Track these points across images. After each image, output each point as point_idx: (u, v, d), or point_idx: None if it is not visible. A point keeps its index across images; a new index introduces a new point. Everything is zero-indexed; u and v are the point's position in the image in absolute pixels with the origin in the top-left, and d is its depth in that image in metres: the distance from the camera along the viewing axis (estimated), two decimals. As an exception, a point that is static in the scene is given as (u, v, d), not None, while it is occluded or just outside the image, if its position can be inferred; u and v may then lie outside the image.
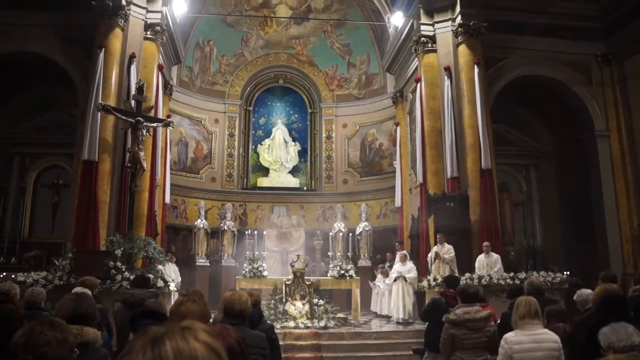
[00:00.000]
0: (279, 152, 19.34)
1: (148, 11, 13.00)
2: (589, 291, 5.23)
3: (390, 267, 13.26)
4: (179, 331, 1.20)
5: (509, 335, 3.86)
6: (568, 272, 11.45)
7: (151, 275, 9.01)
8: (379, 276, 13.78)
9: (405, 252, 13.03)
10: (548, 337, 3.84)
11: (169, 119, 13.16)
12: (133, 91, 11.71)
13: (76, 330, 2.99)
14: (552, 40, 14.17)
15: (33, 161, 14.76)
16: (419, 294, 11.73)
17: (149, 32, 12.96)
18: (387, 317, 12.39)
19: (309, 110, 19.85)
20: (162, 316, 3.55)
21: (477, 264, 11.07)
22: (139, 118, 11.17)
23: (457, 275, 9.23)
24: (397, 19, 15.19)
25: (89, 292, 5.24)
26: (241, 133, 19.14)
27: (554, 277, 10.86)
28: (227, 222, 16.84)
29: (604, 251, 13.72)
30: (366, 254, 16.60)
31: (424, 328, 6.83)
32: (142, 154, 11.32)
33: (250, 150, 19.28)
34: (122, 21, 12.28)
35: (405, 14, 14.46)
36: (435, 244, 11.54)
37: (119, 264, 9.52)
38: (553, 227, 15.83)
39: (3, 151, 14.56)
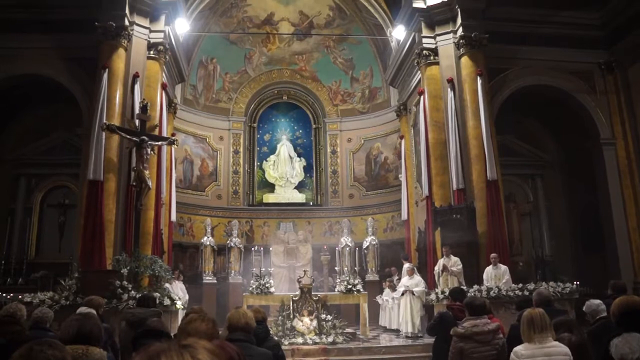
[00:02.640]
0: (284, 168, 19.36)
1: (151, 31, 13.09)
2: (598, 301, 5.15)
3: (399, 279, 13.19)
4: (177, 349, 1.18)
5: (519, 349, 3.77)
6: (578, 282, 11.32)
7: (157, 294, 8.98)
8: (387, 290, 13.70)
9: (412, 265, 12.97)
10: (559, 350, 3.75)
11: (173, 137, 13.21)
12: (137, 110, 11.79)
13: (81, 351, 2.98)
14: (555, 49, 14.17)
15: (39, 182, 14.78)
16: (428, 308, 11.64)
17: (152, 52, 13.05)
18: (397, 331, 12.30)
19: (314, 126, 19.91)
20: (164, 335, 3.53)
21: (485, 276, 10.97)
22: (144, 137, 11.24)
23: (464, 287, 9.15)
24: (398, 33, 15.27)
25: (94, 311, 5.22)
26: (246, 150, 19.20)
27: (563, 287, 10.72)
28: (234, 238, 16.84)
29: (614, 260, 13.58)
30: (373, 268, 16.53)
31: (433, 342, 6.76)
32: (147, 172, 11.36)
33: (255, 167, 19.32)
34: (125, 41, 12.37)
35: (407, 27, 14.52)
36: (442, 256, 11.46)
37: (125, 283, 9.50)
38: (561, 236, 15.71)
39: (9, 172, 14.61)
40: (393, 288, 13.21)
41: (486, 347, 4.48)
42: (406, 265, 12.90)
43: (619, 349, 2.97)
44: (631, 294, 4.99)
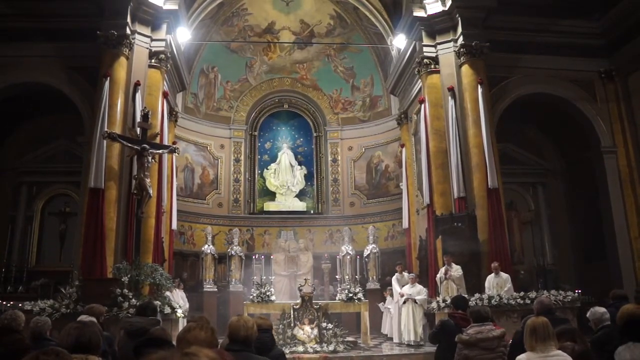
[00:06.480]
0: (285, 176, 19.36)
1: (152, 39, 13.13)
2: (603, 310, 5.11)
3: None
4: (179, 357, 1.18)
5: (522, 357, 3.75)
6: (579, 291, 11.29)
7: (158, 302, 8.95)
8: (389, 298, 13.67)
9: (414, 274, 12.95)
10: (562, 359, 3.71)
11: (174, 146, 13.22)
12: (138, 119, 11.79)
13: (80, 359, 2.96)
14: (555, 57, 14.21)
15: (40, 190, 14.82)
16: (429, 316, 11.60)
17: (153, 60, 13.08)
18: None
19: (314, 134, 19.92)
20: (167, 343, 3.50)
21: (486, 284, 10.93)
22: (145, 145, 11.23)
23: (465, 295, 9.12)
24: (399, 42, 15.31)
25: (94, 320, 5.19)
26: (247, 158, 19.21)
27: (565, 295, 10.68)
28: (235, 247, 16.82)
29: (616, 269, 13.53)
30: (374, 277, 16.50)
31: (435, 350, 6.72)
32: (148, 180, 11.35)
33: (256, 175, 19.32)
34: (127, 50, 12.42)
35: (408, 36, 14.55)
36: (444, 265, 11.42)
37: (126, 291, 9.47)
38: (563, 245, 15.68)
39: (11, 181, 14.65)
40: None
41: (491, 355, 4.45)
42: (409, 275, 12.87)
43: (622, 357, 2.95)
44: (632, 303, 4.98)
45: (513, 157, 15.41)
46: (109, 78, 11.83)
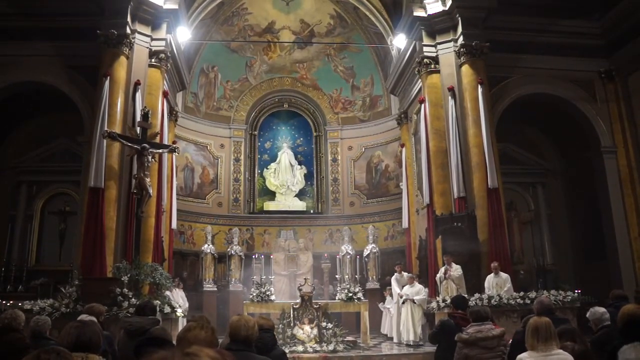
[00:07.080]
0: (285, 175, 19.36)
1: (152, 39, 13.13)
2: (602, 310, 5.12)
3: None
4: (180, 357, 1.17)
5: (523, 356, 3.75)
6: (579, 291, 11.28)
7: (158, 302, 8.95)
8: (388, 298, 13.67)
9: (412, 274, 12.95)
10: (563, 358, 3.71)
11: (174, 145, 13.23)
12: (138, 118, 11.79)
13: (81, 358, 2.97)
14: (555, 58, 14.20)
15: (40, 189, 14.83)
16: (429, 316, 11.61)
17: (153, 60, 13.07)
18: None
19: (314, 134, 19.93)
20: (167, 343, 3.50)
21: (486, 284, 10.94)
22: (145, 144, 11.24)
23: (465, 295, 9.12)
24: (399, 41, 15.31)
25: (94, 319, 5.19)
26: (247, 157, 19.21)
27: (565, 296, 10.69)
28: (234, 246, 16.82)
29: (616, 269, 13.53)
30: (374, 276, 16.50)
31: (434, 350, 6.72)
32: (148, 180, 11.36)
33: (256, 175, 19.32)
34: (127, 49, 12.41)
35: (408, 36, 14.55)
36: (443, 265, 11.42)
37: (125, 290, 9.46)
38: (563, 245, 15.69)
39: (10, 179, 14.66)
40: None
41: (491, 354, 4.46)
42: (408, 275, 12.88)
43: (626, 355, 2.95)
44: (632, 303, 4.98)
45: (513, 157, 15.42)
46: (109, 77, 11.82)
